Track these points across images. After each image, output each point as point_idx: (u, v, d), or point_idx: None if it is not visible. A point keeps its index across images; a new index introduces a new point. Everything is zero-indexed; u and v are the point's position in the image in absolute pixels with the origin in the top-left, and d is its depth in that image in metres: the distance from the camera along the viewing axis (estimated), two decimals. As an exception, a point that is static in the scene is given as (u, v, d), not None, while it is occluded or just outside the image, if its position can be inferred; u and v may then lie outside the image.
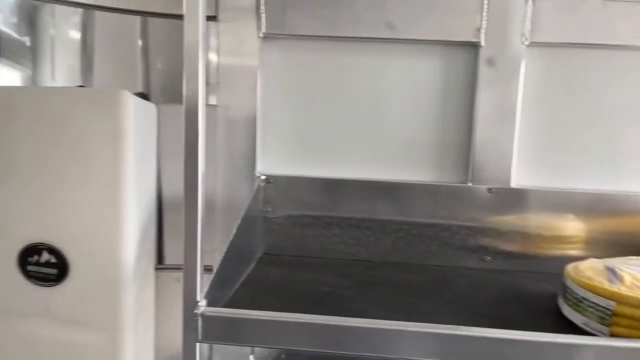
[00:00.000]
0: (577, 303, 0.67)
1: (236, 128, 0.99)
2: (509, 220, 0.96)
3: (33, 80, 1.00)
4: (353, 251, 0.99)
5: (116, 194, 0.84)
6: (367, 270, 0.93)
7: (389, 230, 0.98)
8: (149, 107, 0.97)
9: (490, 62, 0.94)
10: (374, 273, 0.91)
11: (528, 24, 0.93)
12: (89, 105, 0.83)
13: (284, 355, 1.03)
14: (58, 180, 0.84)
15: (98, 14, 0.99)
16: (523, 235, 0.96)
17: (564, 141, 0.98)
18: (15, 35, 0.97)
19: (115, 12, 0.99)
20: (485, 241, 0.96)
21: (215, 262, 0.71)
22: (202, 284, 0.65)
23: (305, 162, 1.02)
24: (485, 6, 0.93)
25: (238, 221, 0.81)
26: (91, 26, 1.01)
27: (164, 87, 1.03)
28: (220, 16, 0.97)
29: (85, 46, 1.01)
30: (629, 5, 0.91)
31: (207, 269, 0.66)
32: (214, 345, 1.01)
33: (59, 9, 0.98)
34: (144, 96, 0.99)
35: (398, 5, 0.94)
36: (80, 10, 0.99)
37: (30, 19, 0.98)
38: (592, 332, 0.64)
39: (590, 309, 0.64)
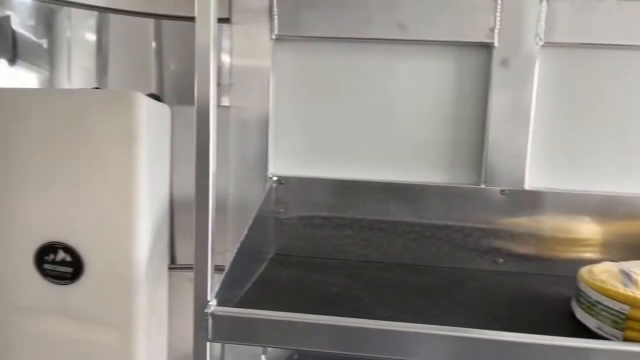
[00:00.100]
0: (591, 307, 0.66)
1: (249, 129, 0.99)
2: (522, 222, 0.95)
3: (50, 82, 1.01)
4: (364, 252, 0.98)
5: (130, 194, 0.85)
6: (378, 271, 0.93)
7: (401, 231, 0.97)
8: (163, 109, 0.98)
9: (504, 63, 0.93)
10: (385, 274, 0.91)
11: (542, 24, 0.92)
12: (103, 107, 0.85)
13: (296, 356, 1.03)
14: (73, 180, 0.86)
15: (113, 16, 1.01)
16: (536, 238, 0.95)
17: (578, 143, 0.96)
18: (33, 38, 0.99)
19: (130, 15, 1.01)
20: (498, 243, 0.95)
21: (227, 263, 0.72)
22: (212, 283, 0.66)
23: (317, 163, 1.02)
24: (499, 6, 0.92)
25: (250, 222, 0.82)
26: (106, 29, 1.02)
27: (177, 89, 1.04)
28: (234, 18, 0.97)
29: (101, 48, 1.03)
30: (645, 5, 0.90)
31: (218, 269, 0.67)
32: (226, 345, 1.02)
33: (75, 12, 1.00)
34: (157, 97, 1.00)
35: (410, 6, 0.94)
36: (95, 13, 1.01)
37: (47, 22, 1.00)
38: (606, 336, 0.63)
39: (603, 313, 0.63)
